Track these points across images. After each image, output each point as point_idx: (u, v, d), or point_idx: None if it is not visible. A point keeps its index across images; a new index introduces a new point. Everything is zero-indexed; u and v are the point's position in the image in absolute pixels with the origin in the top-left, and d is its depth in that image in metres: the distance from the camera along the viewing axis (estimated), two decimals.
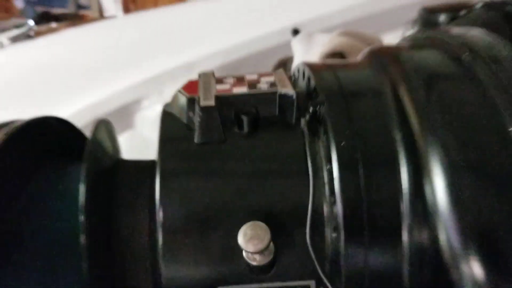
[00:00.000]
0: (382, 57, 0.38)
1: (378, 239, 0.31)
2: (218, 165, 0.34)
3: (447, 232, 0.29)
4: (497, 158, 0.29)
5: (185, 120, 0.37)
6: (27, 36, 1.18)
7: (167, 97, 1.18)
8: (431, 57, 0.36)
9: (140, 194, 0.37)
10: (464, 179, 0.29)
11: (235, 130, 0.36)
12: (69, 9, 2.92)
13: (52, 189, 0.48)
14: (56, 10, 2.76)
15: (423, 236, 0.30)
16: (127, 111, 1.07)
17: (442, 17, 0.85)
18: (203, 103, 0.35)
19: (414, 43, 0.41)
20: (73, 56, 1.17)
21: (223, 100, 0.36)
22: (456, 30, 0.38)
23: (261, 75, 0.39)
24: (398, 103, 0.33)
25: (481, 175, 0.29)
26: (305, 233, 0.32)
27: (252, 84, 0.38)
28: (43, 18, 2.85)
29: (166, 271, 0.33)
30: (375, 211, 0.31)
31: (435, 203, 0.30)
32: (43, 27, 1.23)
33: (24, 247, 0.40)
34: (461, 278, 0.29)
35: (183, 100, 0.37)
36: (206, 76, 0.40)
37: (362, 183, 0.31)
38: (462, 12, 0.81)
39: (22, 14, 3.00)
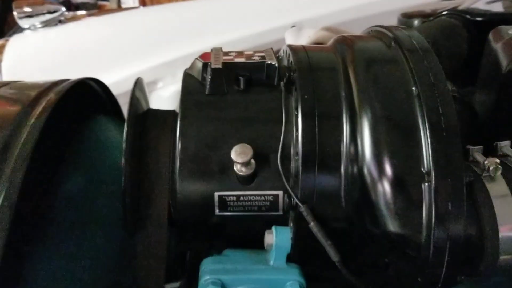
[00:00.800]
0: (342, 43, 0.53)
1: (324, 167, 0.45)
2: (220, 110, 0.50)
3: (368, 165, 0.44)
4: (403, 110, 0.44)
5: (200, 79, 0.52)
6: (58, 21, 1.32)
7: (179, 79, 1.35)
8: (373, 45, 0.52)
9: (164, 132, 0.53)
10: (381, 127, 0.44)
11: (234, 87, 0.51)
12: None
13: (94, 136, 0.62)
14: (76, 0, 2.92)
15: (354, 167, 0.45)
16: None
17: (416, 22, 1.01)
18: (213, 65, 0.50)
19: (366, 34, 0.57)
20: (98, 41, 1.32)
21: (227, 65, 0.51)
22: (393, 27, 0.53)
23: (255, 51, 0.55)
24: (346, 75, 0.48)
25: (392, 124, 0.44)
26: (277, 158, 0.48)
27: (248, 56, 0.53)
28: (64, 6, 3.00)
29: (180, 185, 0.48)
30: (323, 145, 0.46)
31: (362, 146, 0.44)
32: (70, 14, 1.36)
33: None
34: (377, 195, 0.43)
35: (199, 64, 0.52)
36: (217, 50, 0.55)
37: (316, 128, 0.46)
38: (431, 18, 0.96)
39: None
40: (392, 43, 0.50)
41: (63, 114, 0.52)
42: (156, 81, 1.23)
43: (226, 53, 0.54)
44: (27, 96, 0.51)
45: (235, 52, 0.55)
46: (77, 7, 2.74)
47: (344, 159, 0.45)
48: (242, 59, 0.52)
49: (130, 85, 1.22)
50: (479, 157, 0.44)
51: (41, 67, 1.28)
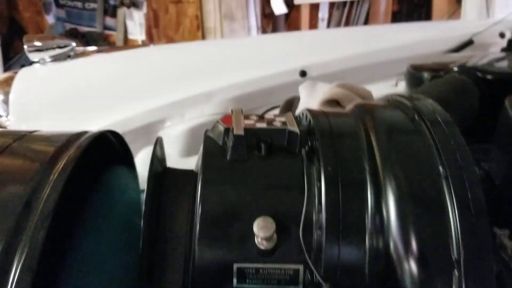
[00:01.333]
0: (362, 110, 0.53)
1: (348, 239, 0.44)
2: (242, 176, 0.49)
3: (394, 240, 0.43)
4: (431, 190, 0.44)
5: (220, 143, 0.51)
6: (67, 56, 1.33)
7: (187, 119, 1.36)
8: (394, 115, 0.51)
9: (183, 194, 0.52)
10: (408, 202, 0.43)
11: (256, 153, 0.50)
12: (97, 28, 3.10)
13: (109, 189, 0.62)
14: (84, 28, 2.95)
15: (379, 241, 0.44)
16: (151, 129, 1.21)
17: (426, 75, 1.01)
18: (235, 132, 0.50)
19: (386, 103, 0.57)
20: (107, 77, 1.32)
21: (249, 131, 0.50)
22: (414, 98, 0.53)
23: (276, 116, 0.55)
24: (369, 144, 0.48)
25: (419, 202, 0.43)
26: (299, 230, 0.47)
27: (270, 122, 0.53)
28: (71, 35, 3.04)
29: (200, 252, 0.47)
30: (347, 219, 0.45)
31: (388, 218, 0.44)
32: (80, 49, 1.37)
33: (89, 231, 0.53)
34: (402, 272, 0.42)
35: (221, 128, 0.52)
36: (237, 113, 0.55)
37: (340, 198, 0.45)
38: (441, 73, 0.97)
39: (52, 29, 3.19)
40: (416, 115, 0.49)
41: (80, 167, 0.51)
42: (164, 120, 1.23)
43: (247, 117, 0.54)
44: (46, 152, 0.51)
45: (256, 115, 0.54)
46: (84, 35, 2.77)
47: (368, 232, 0.44)
48: (263, 125, 0.52)
49: (138, 123, 1.23)
50: (507, 242, 0.43)
51: (49, 101, 1.28)
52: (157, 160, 0.52)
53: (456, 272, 0.39)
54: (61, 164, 0.47)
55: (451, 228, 0.41)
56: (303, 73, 1.32)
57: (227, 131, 0.51)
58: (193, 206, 0.49)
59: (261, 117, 0.54)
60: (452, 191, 0.42)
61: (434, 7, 3.49)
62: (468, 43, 1.43)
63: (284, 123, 0.53)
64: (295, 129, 0.51)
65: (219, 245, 0.47)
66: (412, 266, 0.41)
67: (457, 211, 0.41)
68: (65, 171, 0.46)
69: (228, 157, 0.50)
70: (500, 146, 0.66)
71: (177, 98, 1.23)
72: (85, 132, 0.59)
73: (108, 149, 0.68)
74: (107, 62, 1.38)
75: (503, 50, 1.40)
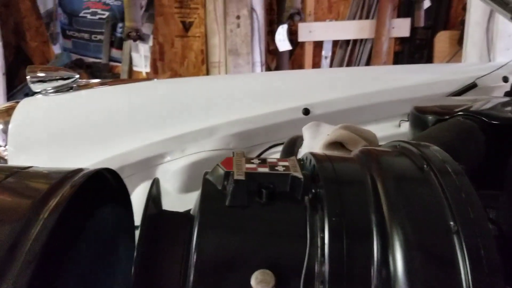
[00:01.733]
0: (368, 157, 0.51)
1: None
2: (241, 224, 0.47)
3: None
4: (441, 244, 0.41)
5: (220, 187, 0.49)
6: (70, 88, 1.32)
7: (188, 154, 1.33)
8: (402, 163, 0.50)
9: (178, 239, 0.49)
10: (416, 256, 0.41)
11: (256, 199, 0.48)
12: (102, 60, 3.14)
13: (102, 228, 0.60)
14: (90, 59, 2.98)
15: None
16: (151, 163, 1.19)
17: (430, 118, 1.00)
18: (236, 176, 0.48)
19: (393, 150, 0.55)
20: (109, 110, 1.31)
21: (250, 176, 0.49)
22: (422, 145, 0.51)
23: (279, 160, 0.53)
24: (375, 193, 0.46)
25: (429, 256, 0.41)
26: (300, 283, 0.44)
27: (272, 166, 0.51)
28: (76, 65, 3.07)
29: None
30: (352, 272, 0.42)
31: (395, 271, 0.41)
32: (83, 81, 1.37)
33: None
34: None
35: (221, 172, 0.50)
36: (238, 156, 0.53)
37: (345, 250, 0.43)
38: (446, 117, 0.96)
39: (58, 59, 3.22)
40: (424, 164, 0.48)
41: (74, 206, 0.49)
42: (164, 154, 1.21)
43: (249, 160, 0.52)
44: (39, 189, 0.49)
45: (258, 159, 0.53)
46: (89, 66, 2.79)
47: (374, 286, 0.42)
48: (265, 169, 0.50)
49: (137, 157, 1.21)
50: None
51: (49, 133, 1.27)
52: (152, 202, 0.50)
53: None
54: (53, 202, 0.45)
55: (463, 286, 0.38)
56: (306, 111, 1.31)
57: (227, 175, 0.49)
58: (188, 255, 0.46)
59: (263, 161, 0.52)
60: (464, 247, 0.39)
61: (435, 48, 3.54)
62: (472, 86, 1.43)
63: (287, 167, 0.51)
64: (299, 174, 0.49)
65: None
66: None
67: (470, 268, 0.38)
68: (57, 210, 0.44)
69: (227, 203, 0.48)
70: (509, 194, 0.64)
71: (178, 132, 1.22)
72: (80, 170, 0.58)
73: (103, 186, 0.67)
74: (109, 94, 1.37)
75: (506, 94, 1.40)
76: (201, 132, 1.23)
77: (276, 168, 0.51)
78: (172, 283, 0.47)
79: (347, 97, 1.37)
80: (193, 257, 0.45)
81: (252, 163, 0.51)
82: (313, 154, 0.53)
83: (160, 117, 1.28)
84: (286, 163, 0.52)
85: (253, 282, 0.42)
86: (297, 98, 1.34)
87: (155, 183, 0.53)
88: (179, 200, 1.14)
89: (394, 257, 0.42)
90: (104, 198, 0.65)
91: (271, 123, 1.29)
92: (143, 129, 1.25)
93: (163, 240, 0.49)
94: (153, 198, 0.52)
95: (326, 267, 0.42)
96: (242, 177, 0.48)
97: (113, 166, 1.10)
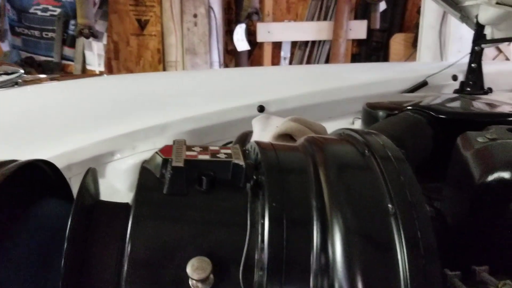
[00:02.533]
0: (312, 145, 0.51)
1: (292, 281, 0.41)
2: (179, 212, 0.45)
3: (339, 281, 0.40)
4: (379, 228, 0.41)
5: (158, 175, 0.47)
6: (15, 83, 1.27)
7: (139, 152, 1.29)
8: (344, 150, 0.49)
9: (113, 230, 0.47)
10: (354, 241, 0.40)
11: (196, 187, 0.47)
12: (54, 58, 3.03)
13: (39, 222, 0.56)
14: (41, 58, 2.87)
15: (324, 282, 0.40)
16: (100, 161, 1.15)
17: (381, 113, 1.02)
18: (174, 163, 0.46)
19: (337, 137, 0.55)
20: (56, 106, 1.26)
21: (189, 163, 0.47)
22: (365, 132, 0.51)
23: (221, 148, 0.51)
24: (317, 180, 0.45)
25: (366, 240, 0.41)
26: (239, 270, 0.43)
27: (214, 154, 0.49)
28: (27, 63, 2.95)
29: None
30: (291, 258, 0.41)
31: (334, 257, 0.41)
32: (30, 77, 1.31)
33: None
34: None
35: (159, 159, 0.48)
36: (179, 143, 0.51)
37: (284, 236, 0.42)
38: (396, 112, 0.97)
39: (6, 57, 3.09)
40: (366, 151, 0.47)
41: (5, 197, 0.47)
42: (114, 152, 1.17)
43: (190, 148, 0.50)
44: None
45: (199, 147, 0.51)
46: (40, 65, 2.69)
47: (313, 273, 0.41)
48: (206, 157, 0.49)
49: (86, 154, 1.16)
50: (459, 285, 0.40)
51: None
52: (86, 193, 0.48)
53: None
54: None
55: (399, 269, 0.38)
56: (261, 108, 1.30)
57: (165, 162, 0.47)
58: (122, 245, 0.44)
59: (205, 149, 0.51)
60: (401, 230, 0.39)
61: (391, 50, 3.63)
62: (423, 84, 1.46)
63: (229, 155, 0.49)
64: (240, 161, 0.48)
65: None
66: None
67: (406, 251, 0.38)
68: None
69: (165, 191, 0.46)
70: (452, 185, 0.65)
71: (128, 129, 1.18)
72: (12, 161, 0.55)
73: (41, 180, 0.63)
74: (56, 90, 1.32)
75: (456, 92, 1.44)
76: (152, 129, 1.20)
77: (218, 155, 0.49)
78: (106, 275, 0.45)
79: (302, 95, 1.38)
80: (127, 248, 0.43)
81: (193, 150, 0.50)
82: (257, 142, 0.52)
83: (110, 114, 1.24)
84: (228, 151, 0.50)
85: (189, 270, 0.40)
86: (252, 95, 1.33)
87: (90, 172, 0.50)
88: (130, 199, 1.11)
89: (333, 243, 0.41)
90: (44, 192, 0.62)
91: (225, 120, 1.27)
92: (92, 126, 1.21)
93: (97, 230, 0.47)
94: (88, 188, 0.49)
95: (265, 254, 0.41)
96: (181, 164, 0.46)
97: (60, 164, 1.05)
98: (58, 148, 1.15)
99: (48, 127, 1.21)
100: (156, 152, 0.49)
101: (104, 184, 1.16)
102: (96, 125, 1.22)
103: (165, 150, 0.49)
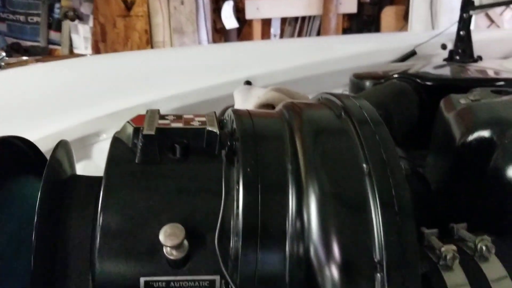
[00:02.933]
0: (289, 110, 0.49)
1: (267, 246, 0.40)
2: (151, 181, 0.44)
3: (315, 245, 0.39)
4: (353, 188, 0.40)
5: (130, 145, 0.46)
6: None
7: None
8: (322, 114, 0.48)
9: (86, 203, 0.46)
10: (329, 203, 0.40)
11: (170, 156, 0.46)
12: (40, 43, 2.98)
13: (14, 197, 0.56)
14: (27, 43, 2.83)
15: (300, 247, 0.40)
16: (86, 142, 1.14)
17: (367, 83, 1.00)
18: (145, 131, 0.45)
19: (315, 102, 0.54)
20: (40, 88, 1.25)
21: (162, 131, 0.46)
22: (343, 96, 0.50)
23: (195, 116, 0.50)
24: (293, 146, 0.44)
25: (341, 202, 0.40)
26: (214, 237, 0.42)
27: (188, 121, 0.48)
28: (13, 49, 2.90)
29: (100, 266, 0.42)
30: (267, 224, 0.41)
31: (309, 221, 0.40)
32: (13, 59, 1.29)
33: None
34: (323, 279, 0.38)
35: (130, 129, 0.47)
36: (152, 113, 0.50)
37: (259, 201, 0.41)
38: (382, 81, 0.96)
39: None
40: (342, 113, 0.46)
41: None
42: (99, 132, 1.16)
43: (163, 117, 0.49)
44: None
45: (173, 115, 0.50)
46: (27, 50, 2.65)
47: (289, 238, 0.40)
48: (179, 124, 0.47)
49: (72, 136, 1.15)
50: (435, 242, 0.40)
51: None
52: (57, 164, 0.47)
53: (379, 275, 0.36)
54: None
55: (373, 228, 0.37)
56: (248, 84, 1.29)
57: (136, 131, 0.46)
58: (95, 217, 0.43)
59: (178, 117, 0.49)
60: (375, 188, 0.38)
61: (382, 23, 3.59)
62: (411, 54, 1.44)
63: (203, 122, 0.48)
64: (215, 128, 0.47)
65: (123, 258, 0.42)
66: (333, 272, 0.38)
67: (380, 209, 0.37)
68: None
69: (136, 160, 0.45)
70: (435, 148, 0.64)
71: (114, 109, 1.17)
72: None
73: (19, 158, 0.62)
74: (40, 72, 1.30)
75: (445, 60, 1.43)
76: (138, 108, 1.17)
77: (192, 123, 0.48)
78: (80, 249, 0.44)
79: (290, 68, 1.36)
80: (99, 219, 0.42)
81: (166, 119, 0.49)
82: (233, 110, 0.51)
83: (94, 94, 1.22)
84: (202, 119, 0.49)
85: (161, 237, 0.40)
86: (239, 70, 1.32)
87: (61, 145, 0.49)
88: None
89: (309, 206, 0.40)
90: (23, 171, 0.61)
91: (212, 97, 1.26)
92: (77, 107, 1.20)
93: (71, 204, 0.46)
94: (59, 160, 0.48)
95: (240, 219, 0.41)
96: (152, 132, 0.45)
97: (46, 146, 1.04)
98: (43, 130, 1.13)
99: (33, 109, 1.20)
100: (128, 122, 0.48)
101: (91, 165, 1.16)
102: (81, 106, 1.20)
103: (137, 119, 0.48)
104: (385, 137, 0.43)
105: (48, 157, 0.57)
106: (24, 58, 1.44)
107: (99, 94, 1.23)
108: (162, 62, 1.39)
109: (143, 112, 1.25)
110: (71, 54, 2.82)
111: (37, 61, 1.36)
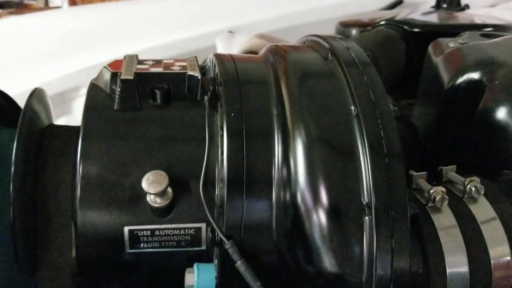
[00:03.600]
0: (274, 54, 0.47)
1: (253, 192, 0.39)
2: (132, 128, 0.42)
3: (302, 190, 0.38)
4: (341, 131, 0.39)
5: (108, 91, 0.44)
6: None
7: None
8: (307, 56, 0.46)
9: (65, 153, 0.44)
10: (316, 149, 0.39)
11: (150, 102, 0.44)
12: None
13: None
14: None
15: (287, 193, 0.39)
16: (65, 97, 1.11)
17: (354, 31, 0.98)
18: (123, 76, 0.43)
19: (301, 45, 0.51)
20: (16, 42, 1.19)
21: (141, 76, 0.44)
22: (330, 37, 0.48)
23: (176, 61, 0.48)
24: (278, 90, 0.43)
25: (328, 146, 0.39)
26: (199, 185, 0.41)
27: (167, 66, 0.46)
28: None
29: (82, 216, 0.40)
30: (252, 169, 0.39)
31: (296, 166, 0.39)
32: None
33: None
34: (311, 226, 0.38)
35: (107, 74, 0.44)
36: (130, 58, 0.48)
37: (244, 148, 0.40)
38: (368, 28, 0.93)
39: None
40: (329, 55, 0.44)
41: None
42: (79, 87, 1.13)
43: (141, 62, 0.47)
44: None
45: (152, 60, 0.47)
46: (1, 5, 2.53)
47: (275, 184, 0.39)
48: (159, 69, 0.45)
49: (50, 90, 1.12)
50: (424, 185, 0.39)
51: None
52: (32, 112, 0.44)
53: (367, 218, 0.35)
54: None
55: (362, 171, 0.37)
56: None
57: (114, 76, 0.44)
58: (74, 166, 0.41)
59: (157, 62, 0.47)
60: (364, 130, 0.37)
61: None
62: (398, 2, 1.41)
63: (184, 67, 0.46)
64: (196, 73, 0.45)
65: (105, 207, 0.41)
66: (320, 216, 0.37)
67: (368, 151, 0.36)
68: None
69: (115, 107, 0.43)
70: (423, 94, 0.63)
71: (92, 62, 1.12)
72: None
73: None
74: (15, 25, 1.25)
75: (432, 8, 1.40)
76: None
77: (172, 68, 0.46)
78: (60, 199, 0.43)
79: (274, 18, 1.32)
80: (79, 169, 0.41)
81: (145, 64, 0.46)
82: (215, 54, 0.49)
83: (71, 47, 1.18)
84: (183, 63, 0.47)
85: (144, 184, 0.39)
86: (222, 20, 1.27)
87: (36, 94, 0.47)
88: None
89: (295, 151, 0.39)
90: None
91: (193, 48, 1.21)
92: (54, 61, 1.15)
93: (48, 154, 0.44)
94: (34, 109, 0.46)
95: (224, 165, 0.39)
96: (130, 77, 0.43)
97: (22, 102, 1.01)
98: (20, 85, 1.10)
99: (8, 63, 1.15)
100: (105, 67, 0.46)
101: (72, 121, 1.13)
102: (58, 59, 1.16)
103: (114, 65, 0.46)
104: (374, 79, 0.41)
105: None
106: None
107: (76, 48, 1.19)
108: (141, 12, 1.34)
109: None
110: (46, 6, 2.71)
111: (11, 13, 1.29)
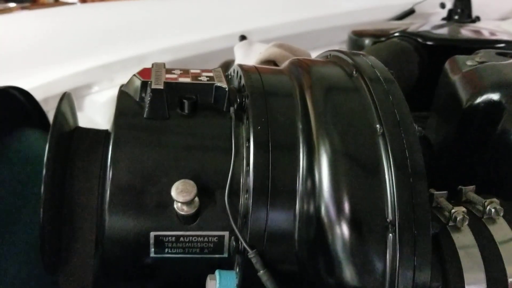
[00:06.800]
0: (298, 67, 0.48)
1: (277, 204, 0.40)
2: (160, 136, 0.43)
3: (326, 203, 0.39)
4: (366, 148, 0.40)
5: (137, 99, 0.45)
6: None
7: (117, 84, 1.26)
8: (332, 72, 0.47)
9: (93, 157, 0.45)
10: (341, 162, 0.40)
11: (178, 111, 0.45)
12: None
13: (16, 151, 0.55)
14: None
15: (311, 205, 0.40)
16: (77, 94, 1.11)
17: (367, 41, 0.99)
18: (154, 86, 0.44)
19: (324, 59, 0.52)
20: (30, 37, 1.20)
21: (170, 86, 0.45)
22: (353, 53, 0.49)
23: (202, 71, 0.49)
24: (303, 103, 0.44)
25: (353, 162, 0.40)
26: (224, 194, 0.42)
27: (195, 77, 0.47)
28: None
29: (110, 220, 0.42)
30: (277, 181, 0.40)
31: (320, 179, 0.40)
32: (1, 6, 1.23)
33: None
34: (334, 237, 0.39)
35: (137, 82, 0.45)
36: (158, 66, 0.49)
37: (270, 159, 0.41)
38: (382, 39, 0.95)
39: None
40: (354, 71, 0.45)
41: None
42: (91, 84, 1.14)
43: (169, 71, 0.48)
44: None
45: (180, 70, 0.48)
46: None
47: (299, 196, 0.40)
48: (187, 79, 0.46)
49: (63, 87, 1.13)
50: (445, 204, 0.40)
51: None
52: (63, 115, 0.45)
53: (390, 235, 0.36)
54: None
55: (386, 188, 0.38)
56: (243, 38, 1.26)
57: (144, 85, 0.45)
58: (104, 171, 0.42)
59: (185, 71, 0.48)
60: (389, 149, 0.38)
61: None
62: (410, 12, 1.42)
63: (211, 78, 0.47)
64: (223, 84, 0.46)
65: (133, 212, 0.41)
66: (344, 230, 0.38)
67: (393, 170, 0.37)
68: None
69: (145, 115, 0.44)
70: (439, 110, 0.64)
71: (105, 61, 1.14)
72: None
73: (16, 109, 0.61)
74: (28, 20, 1.25)
75: (443, 19, 1.41)
76: (130, 61, 1.15)
77: (200, 78, 0.47)
78: (89, 202, 0.44)
79: (286, 23, 1.33)
80: (109, 173, 0.42)
81: (173, 73, 0.47)
82: (240, 65, 0.50)
83: (85, 44, 1.19)
84: (210, 74, 0.48)
85: (173, 193, 0.40)
86: (234, 24, 1.28)
87: (66, 97, 0.48)
88: None
89: (320, 165, 0.40)
90: (19, 122, 0.59)
91: (206, 51, 1.23)
92: (68, 58, 1.16)
93: (77, 157, 0.45)
94: (65, 113, 0.47)
95: (250, 177, 0.40)
96: (161, 87, 0.44)
97: (36, 97, 1.01)
98: (33, 80, 1.10)
99: (21, 59, 1.16)
100: (134, 75, 0.47)
101: (82, 118, 1.13)
102: (71, 56, 1.17)
103: (144, 73, 0.47)
104: (399, 97, 0.42)
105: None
106: (10, 5, 1.37)
107: (90, 45, 1.19)
108: (155, 13, 1.34)
109: (134, 65, 1.23)
110: (57, 2, 2.71)
111: (23, 8, 1.30)
